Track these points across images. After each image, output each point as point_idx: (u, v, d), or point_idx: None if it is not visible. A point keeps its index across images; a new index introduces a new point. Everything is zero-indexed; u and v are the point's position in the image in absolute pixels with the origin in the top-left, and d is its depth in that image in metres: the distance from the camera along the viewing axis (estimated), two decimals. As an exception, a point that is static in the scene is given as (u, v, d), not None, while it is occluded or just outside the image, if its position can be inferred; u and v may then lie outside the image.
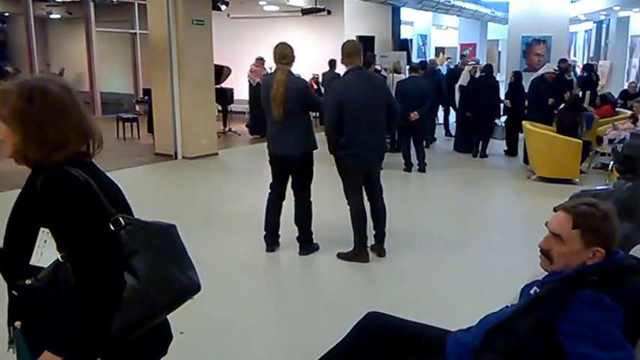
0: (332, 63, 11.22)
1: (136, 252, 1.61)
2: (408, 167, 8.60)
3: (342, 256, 4.85)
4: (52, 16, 17.65)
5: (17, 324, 1.92)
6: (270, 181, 4.98)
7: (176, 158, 9.43)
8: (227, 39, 14.06)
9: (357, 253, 4.77)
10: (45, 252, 1.60)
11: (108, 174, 1.74)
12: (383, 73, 10.16)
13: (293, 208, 4.92)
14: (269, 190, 4.98)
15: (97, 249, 1.56)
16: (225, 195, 7.40)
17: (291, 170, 4.83)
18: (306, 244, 4.98)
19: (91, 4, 15.17)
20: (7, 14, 17.80)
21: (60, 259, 1.58)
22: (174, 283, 1.67)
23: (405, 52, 14.15)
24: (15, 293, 1.64)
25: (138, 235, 1.63)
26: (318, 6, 13.92)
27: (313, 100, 4.86)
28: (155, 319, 1.68)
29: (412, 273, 4.67)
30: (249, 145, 11.31)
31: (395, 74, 10.58)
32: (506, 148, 10.15)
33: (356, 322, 2.40)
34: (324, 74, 11.49)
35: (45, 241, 1.60)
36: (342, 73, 5.01)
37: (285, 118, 4.62)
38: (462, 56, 18.75)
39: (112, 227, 1.60)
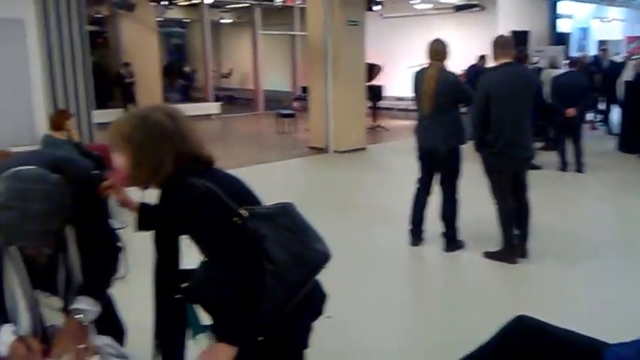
0: (481, 58, 10.75)
1: (265, 237, 1.67)
2: (564, 167, 7.97)
3: (489, 255, 4.63)
4: (223, 21, 18.96)
5: (194, 305, 2.09)
6: (418, 176, 4.90)
7: (327, 152, 9.67)
8: (379, 38, 14.07)
9: (505, 253, 4.53)
10: (191, 255, 1.75)
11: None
12: (539, 66, 9.52)
13: (439, 203, 4.80)
14: (416, 185, 4.90)
15: (230, 247, 1.66)
16: (371, 188, 7.42)
17: (438, 165, 4.72)
18: (452, 241, 4.83)
19: (258, 9, 16.04)
20: (186, 20, 19.43)
21: (204, 259, 1.71)
22: (305, 257, 1.70)
23: (562, 47, 13.15)
24: (178, 297, 1.79)
25: (262, 221, 1.69)
26: (471, 2, 13.42)
27: (464, 91, 4.71)
28: (299, 294, 1.73)
29: (562, 277, 4.31)
30: (396, 140, 11.25)
31: (551, 69, 9.86)
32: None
33: (503, 324, 2.26)
34: (469, 68, 11.05)
35: (188, 246, 1.75)
36: (488, 69, 4.78)
37: (435, 112, 4.55)
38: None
39: (238, 221, 1.67)
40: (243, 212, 1.67)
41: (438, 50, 4.62)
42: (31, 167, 1.65)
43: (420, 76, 4.69)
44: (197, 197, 1.66)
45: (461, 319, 3.65)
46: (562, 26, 15.28)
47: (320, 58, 9.55)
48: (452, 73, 4.76)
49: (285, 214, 1.75)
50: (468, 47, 12.42)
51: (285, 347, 1.77)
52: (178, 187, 1.69)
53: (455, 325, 3.54)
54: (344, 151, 9.61)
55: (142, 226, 1.93)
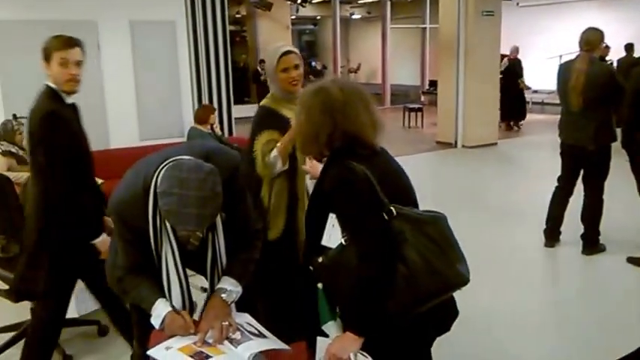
0: (629, 47, 9.83)
1: (407, 241, 1.65)
2: None
3: (632, 260, 4.26)
4: (353, 17, 19.13)
5: (319, 285, 2.15)
6: (559, 174, 4.60)
7: (456, 146, 9.41)
8: (515, 28, 13.37)
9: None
10: (333, 234, 1.76)
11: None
12: None
13: (577, 203, 4.48)
14: (557, 183, 4.61)
15: (373, 238, 1.66)
16: (503, 185, 7.11)
17: (584, 163, 4.40)
18: (592, 244, 4.49)
19: (388, 3, 15.97)
20: (318, 17, 19.89)
21: (343, 242, 1.72)
22: (442, 274, 1.66)
23: None
24: (311, 268, 1.84)
25: (408, 224, 1.66)
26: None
27: (617, 87, 4.28)
28: (426, 305, 1.70)
29: None
30: (530, 135, 10.66)
31: None
32: None
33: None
34: (620, 60, 10.14)
35: (333, 225, 1.76)
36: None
37: (584, 108, 4.21)
38: None
39: (385, 217, 1.66)
40: (393, 210, 1.67)
41: (588, 40, 4.24)
42: (189, 157, 1.79)
43: (567, 69, 4.36)
44: (351, 181, 1.67)
45: (600, 326, 3.40)
46: None
47: (451, 50, 9.30)
48: (605, 65, 4.37)
49: (435, 224, 1.70)
50: (614, 36, 11.42)
51: (403, 353, 1.75)
52: (336, 165, 1.72)
53: (594, 333, 3.31)
54: (473, 147, 9.30)
55: None
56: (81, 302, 2.81)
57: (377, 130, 1.80)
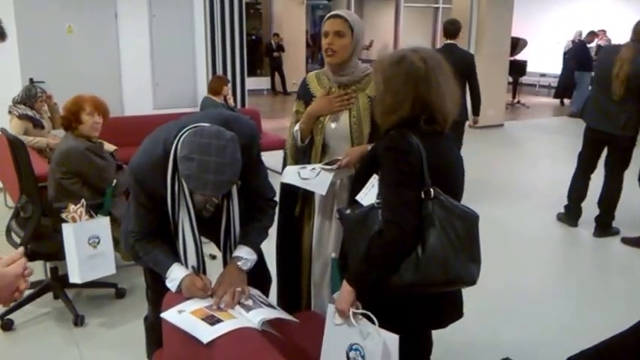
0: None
1: (433, 225, 1.61)
2: None
3: (627, 241, 4.33)
4: (367, -6, 18.82)
5: (333, 255, 2.14)
6: (583, 157, 4.60)
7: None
8: (526, 10, 13.13)
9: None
10: (369, 194, 1.74)
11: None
12: None
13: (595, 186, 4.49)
14: (579, 166, 4.62)
15: (402, 210, 1.61)
16: (509, 166, 7.06)
17: (609, 149, 4.41)
18: (605, 227, 4.51)
19: (402, -19, 15.68)
20: (331, -7, 19.54)
21: (375, 204, 1.69)
22: (453, 268, 1.62)
23: None
24: (336, 216, 1.82)
25: (441, 211, 1.62)
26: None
27: None
28: (425, 291, 1.68)
29: None
30: (537, 118, 10.55)
31: None
32: None
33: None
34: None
35: (373, 185, 1.74)
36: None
37: (623, 98, 4.16)
38: None
39: (422, 195, 1.63)
40: (432, 191, 1.63)
41: (637, 30, 4.19)
42: (209, 125, 1.76)
43: (609, 55, 4.28)
44: (402, 151, 1.63)
45: (605, 304, 3.39)
46: None
47: (463, 30, 9.13)
48: None
49: (465, 220, 1.65)
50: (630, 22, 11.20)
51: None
52: (396, 132, 1.68)
53: (599, 310, 3.30)
54: (480, 127, 9.20)
55: None
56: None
57: (455, 104, 1.75)
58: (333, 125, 2.26)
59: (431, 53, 1.75)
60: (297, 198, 2.39)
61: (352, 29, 2.17)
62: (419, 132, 1.67)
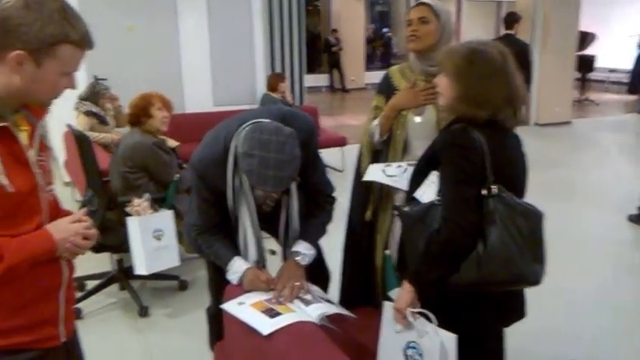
0: None
1: (494, 223, 1.59)
2: None
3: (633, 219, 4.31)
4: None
5: (387, 252, 2.13)
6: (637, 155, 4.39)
7: (528, 124, 9.05)
8: (595, 3, 12.60)
9: None
10: (428, 191, 1.72)
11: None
12: None
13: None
14: (633, 164, 4.41)
15: (461, 207, 1.60)
16: (577, 165, 6.79)
17: None
18: None
19: (465, -25, 15.35)
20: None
21: (435, 202, 1.67)
22: (516, 267, 1.59)
23: None
24: (395, 213, 1.79)
25: (503, 208, 1.59)
26: None
27: None
28: (485, 290, 1.65)
29: None
30: (606, 116, 10.10)
31: None
32: None
33: None
34: None
35: (432, 182, 1.71)
36: None
37: None
38: None
39: (483, 192, 1.60)
40: (494, 189, 1.60)
41: None
42: (269, 121, 1.80)
43: None
44: (464, 147, 1.61)
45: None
46: None
47: (526, 26, 8.85)
48: None
49: (528, 218, 1.62)
50: None
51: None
52: (457, 127, 1.65)
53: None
54: (546, 124, 8.92)
55: None
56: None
57: (524, 97, 1.72)
58: (417, 119, 2.16)
59: (500, 45, 1.72)
60: (367, 203, 2.33)
61: (437, 15, 2.10)
62: (481, 127, 1.63)
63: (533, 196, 1.80)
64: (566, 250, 4.06)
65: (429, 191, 1.71)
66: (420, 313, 1.66)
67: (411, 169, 2.00)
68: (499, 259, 1.58)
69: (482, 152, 1.60)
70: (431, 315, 1.64)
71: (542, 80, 8.90)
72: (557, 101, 9.03)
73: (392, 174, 2.09)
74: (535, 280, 1.63)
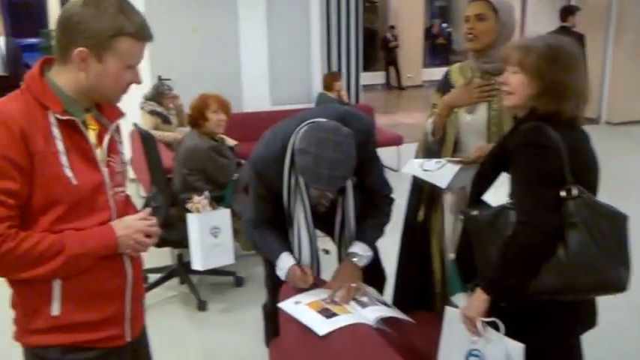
0: None
1: (576, 226, 1.51)
2: None
3: None
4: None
5: (451, 256, 2.09)
6: None
7: (599, 123, 8.66)
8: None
9: None
10: (498, 193, 1.63)
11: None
12: None
13: None
14: None
15: (540, 210, 1.52)
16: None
17: None
18: None
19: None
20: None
21: (507, 205, 1.59)
22: (601, 272, 1.51)
23: None
24: (461, 218, 1.75)
25: (584, 210, 1.51)
26: None
27: None
28: (568, 297, 1.58)
29: None
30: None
31: None
32: None
33: None
34: None
35: (502, 184, 1.63)
36: None
37: None
38: None
39: (562, 194, 1.53)
40: (574, 190, 1.53)
41: None
42: (327, 120, 1.81)
43: None
44: (541, 145, 1.54)
45: None
46: None
47: (599, 21, 8.47)
48: None
49: (613, 222, 1.54)
50: None
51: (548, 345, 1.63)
52: (531, 125, 1.58)
53: None
54: (619, 123, 8.50)
55: None
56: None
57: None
58: (468, 117, 2.10)
59: (567, 40, 1.66)
60: (420, 202, 2.30)
61: (496, 12, 2.00)
62: (556, 124, 1.56)
63: (607, 196, 1.70)
64: None
65: (499, 194, 1.63)
66: (489, 322, 1.61)
67: (449, 166, 1.96)
68: (582, 264, 1.50)
69: (559, 151, 1.52)
70: (500, 323, 1.59)
71: (615, 77, 8.51)
72: (635, 98, 8.59)
73: (428, 168, 2.04)
74: (621, 287, 1.55)
